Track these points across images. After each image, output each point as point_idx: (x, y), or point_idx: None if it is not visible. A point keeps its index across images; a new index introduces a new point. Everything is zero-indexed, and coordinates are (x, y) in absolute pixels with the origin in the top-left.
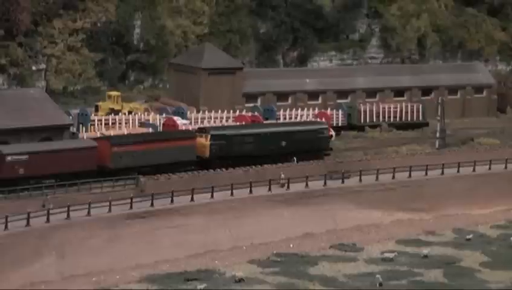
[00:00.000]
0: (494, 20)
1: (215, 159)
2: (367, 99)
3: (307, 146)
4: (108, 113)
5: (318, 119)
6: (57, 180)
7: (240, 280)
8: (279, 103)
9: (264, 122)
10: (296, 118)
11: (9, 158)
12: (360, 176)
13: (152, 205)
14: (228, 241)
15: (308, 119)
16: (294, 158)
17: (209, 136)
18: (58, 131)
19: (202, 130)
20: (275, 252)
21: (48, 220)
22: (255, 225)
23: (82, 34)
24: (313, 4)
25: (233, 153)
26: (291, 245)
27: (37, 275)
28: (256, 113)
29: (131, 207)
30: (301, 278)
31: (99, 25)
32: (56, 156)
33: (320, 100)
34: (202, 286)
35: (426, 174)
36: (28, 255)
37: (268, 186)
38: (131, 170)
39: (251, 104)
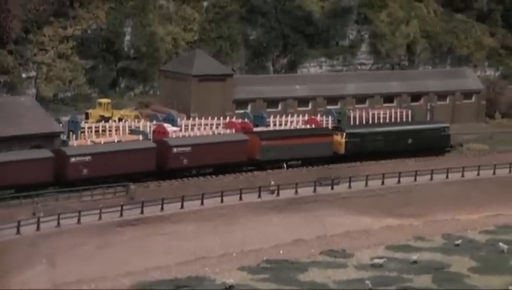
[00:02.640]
0: (482, 26)
1: (349, 155)
2: (357, 106)
3: (430, 143)
4: (98, 121)
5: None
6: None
7: (230, 287)
8: (269, 110)
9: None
10: (286, 124)
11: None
12: (350, 182)
13: (142, 212)
14: (218, 248)
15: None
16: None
17: (344, 134)
18: (48, 138)
19: (338, 129)
20: (265, 258)
21: (38, 228)
22: (245, 231)
23: (72, 41)
24: (303, 10)
25: (365, 150)
26: (281, 251)
27: (29, 284)
28: (246, 120)
29: (121, 215)
30: (291, 284)
31: (89, 32)
32: (214, 148)
33: (310, 106)
34: None
35: (415, 180)
36: (19, 263)
37: (258, 193)
38: (276, 162)
39: (241, 111)
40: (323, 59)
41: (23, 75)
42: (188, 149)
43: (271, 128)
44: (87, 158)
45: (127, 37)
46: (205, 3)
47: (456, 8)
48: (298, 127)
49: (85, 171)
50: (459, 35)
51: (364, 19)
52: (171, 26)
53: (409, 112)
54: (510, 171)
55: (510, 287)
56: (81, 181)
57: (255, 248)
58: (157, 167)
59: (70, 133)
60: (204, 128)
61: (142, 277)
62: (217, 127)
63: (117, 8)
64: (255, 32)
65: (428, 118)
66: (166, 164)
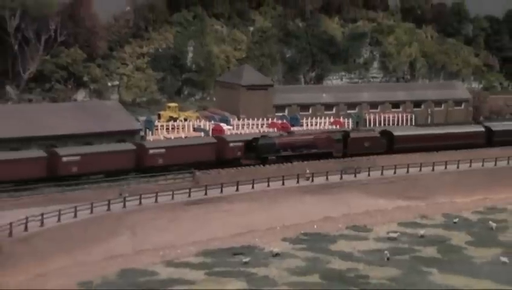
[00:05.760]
0: (469, 48)
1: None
2: (371, 110)
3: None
4: (168, 120)
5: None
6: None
7: (276, 255)
8: (302, 113)
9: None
10: (316, 125)
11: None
12: (369, 171)
13: (206, 194)
14: (265, 223)
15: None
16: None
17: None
18: (130, 134)
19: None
20: (302, 232)
21: (124, 205)
22: (286, 210)
23: (147, 57)
24: (328, 35)
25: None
26: (315, 226)
27: (115, 250)
28: (284, 121)
29: (189, 195)
30: (324, 253)
31: (160, 50)
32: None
33: (334, 110)
34: (247, 259)
35: (420, 170)
36: (107, 233)
37: (296, 179)
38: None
39: (280, 114)
40: (343, 73)
41: (109, 84)
42: (241, 144)
43: (304, 128)
44: (163, 150)
45: (190, 55)
46: (251, 28)
47: (448, 33)
48: (326, 127)
49: (160, 160)
50: (451, 55)
51: (375, 42)
52: (224, 46)
53: (412, 116)
54: (495, 164)
55: (501, 258)
56: (157, 168)
57: (294, 223)
58: (216, 157)
59: (147, 130)
60: (252, 127)
61: (204, 245)
62: (261, 127)
63: (182, 32)
64: (290, 52)
65: (429, 120)
66: (224, 156)
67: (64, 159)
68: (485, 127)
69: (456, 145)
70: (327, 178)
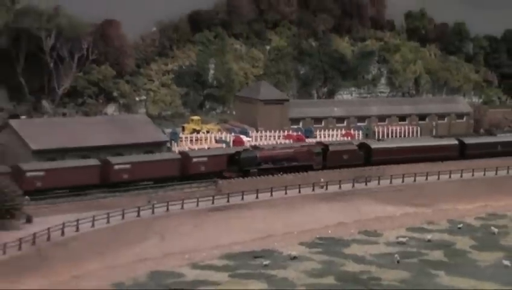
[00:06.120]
0: (469, 66)
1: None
2: (379, 123)
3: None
4: (191, 132)
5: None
6: None
7: (294, 258)
8: (315, 125)
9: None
10: (328, 136)
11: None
12: (379, 180)
13: (228, 201)
14: (283, 228)
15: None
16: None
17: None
18: (157, 145)
19: (363, 145)
20: (317, 236)
21: (153, 212)
22: (302, 216)
23: (172, 74)
24: (339, 53)
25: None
26: (329, 231)
27: (145, 253)
28: (299, 133)
29: (213, 203)
30: (338, 256)
31: (184, 67)
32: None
33: (345, 123)
34: (267, 262)
35: (426, 179)
36: (137, 238)
37: (312, 188)
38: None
39: (295, 126)
40: (353, 88)
41: (136, 99)
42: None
43: (318, 139)
44: (205, 159)
45: (211, 71)
46: (268, 47)
47: (450, 51)
48: (338, 139)
49: (203, 168)
50: (452, 72)
51: (383, 60)
52: (242, 63)
53: (417, 128)
54: (496, 173)
55: (503, 261)
56: (199, 175)
57: (310, 228)
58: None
59: (172, 141)
60: (269, 139)
61: (227, 249)
62: (278, 138)
63: (204, 50)
64: (303, 69)
65: (434, 133)
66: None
67: (116, 167)
68: (458, 140)
69: (431, 157)
70: (340, 186)
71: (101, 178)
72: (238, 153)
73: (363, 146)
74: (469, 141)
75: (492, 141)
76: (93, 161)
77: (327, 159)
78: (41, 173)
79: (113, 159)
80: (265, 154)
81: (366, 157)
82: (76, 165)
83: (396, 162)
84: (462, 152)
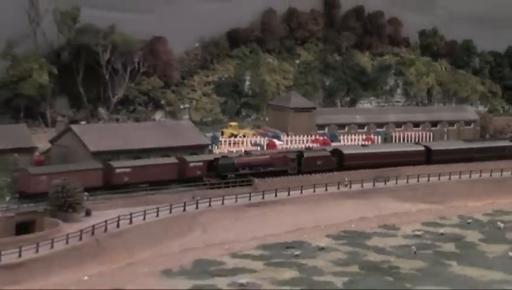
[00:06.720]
0: (476, 78)
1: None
2: (396, 129)
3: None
4: (230, 137)
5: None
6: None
7: (322, 249)
8: (339, 131)
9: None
10: (351, 141)
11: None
12: (396, 180)
13: (263, 198)
14: (311, 222)
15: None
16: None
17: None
18: (200, 148)
19: (335, 151)
20: (342, 229)
21: (197, 207)
22: (328, 211)
23: (212, 85)
24: (360, 66)
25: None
26: (352, 225)
27: (189, 244)
28: (325, 137)
29: (249, 199)
30: (361, 247)
31: (223, 79)
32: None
33: (365, 129)
34: (298, 252)
35: (439, 179)
36: (183, 230)
37: (337, 186)
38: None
39: (321, 131)
40: (372, 98)
41: (181, 106)
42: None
43: (341, 143)
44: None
45: (247, 82)
46: (297, 61)
47: (459, 66)
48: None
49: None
50: (461, 83)
51: (399, 72)
52: (275, 75)
53: (430, 134)
54: (501, 174)
55: (509, 253)
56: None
57: (335, 222)
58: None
59: (213, 144)
60: (298, 143)
61: (262, 240)
62: (306, 142)
63: (240, 64)
64: (328, 80)
65: (445, 138)
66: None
67: (191, 164)
68: (425, 146)
69: (400, 162)
70: (362, 185)
71: (178, 174)
72: (216, 159)
73: (335, 152)
74: (435, 147)
75: (458, 148)
76: (171, 159)
77: (302, 164)
78: (128, 170)
79: (188, 158)
80: (243, 160)
81: (338, 162)
82: (157, 163)
83: (367, 166)
84: (429, 158)
